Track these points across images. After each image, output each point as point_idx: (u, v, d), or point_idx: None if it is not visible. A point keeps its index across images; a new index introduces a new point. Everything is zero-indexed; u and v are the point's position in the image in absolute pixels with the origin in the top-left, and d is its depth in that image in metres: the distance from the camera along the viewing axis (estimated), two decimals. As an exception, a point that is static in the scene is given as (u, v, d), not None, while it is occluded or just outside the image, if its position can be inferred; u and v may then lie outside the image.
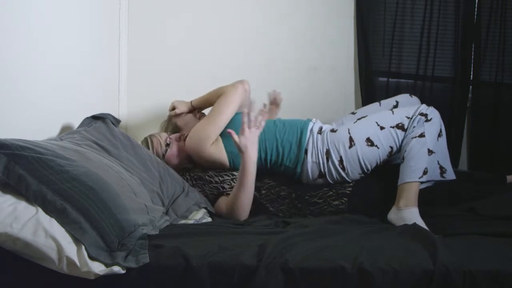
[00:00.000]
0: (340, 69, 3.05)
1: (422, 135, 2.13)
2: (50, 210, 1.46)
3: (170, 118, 2.62)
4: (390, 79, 3.03)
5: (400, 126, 2.18)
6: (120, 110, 2.93)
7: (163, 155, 2.36)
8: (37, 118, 1.98)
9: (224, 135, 2.30)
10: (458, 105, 3.00)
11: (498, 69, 2.98)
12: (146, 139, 2.43)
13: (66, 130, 2.18)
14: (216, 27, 3.00)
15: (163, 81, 2.99)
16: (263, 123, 2.08)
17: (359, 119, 2.32)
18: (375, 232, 1.83)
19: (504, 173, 2.48)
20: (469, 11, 2.95)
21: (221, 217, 2.17)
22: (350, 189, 2.22)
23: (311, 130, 2.33)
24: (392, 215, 2.07)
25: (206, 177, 2.29)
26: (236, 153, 2.22)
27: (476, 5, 2.96)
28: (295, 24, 3.01)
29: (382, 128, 2.20)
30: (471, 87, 3.02)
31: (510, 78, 2.99)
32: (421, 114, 2.16)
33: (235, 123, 2.28)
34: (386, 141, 2.19)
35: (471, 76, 3.00)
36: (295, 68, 3.04)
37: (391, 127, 2.19)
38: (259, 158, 2.28)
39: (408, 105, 2.41)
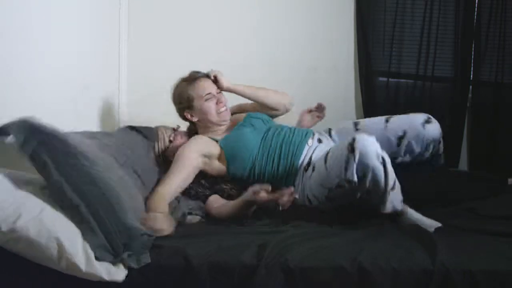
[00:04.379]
0: (340, 69, 3.04)
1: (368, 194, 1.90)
2: (65, 204, 1.48)
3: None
4: (390, 79, 3.02)
5: (341, 186, 1.92)
6: (120, 110, 2.93)
7: (165, 149, 2.30)
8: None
9: (229, 157, 2.22)
10: (458, 105, 2.99)
11: (498, 69, 2.97)
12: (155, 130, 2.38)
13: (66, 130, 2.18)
14: (216, 27, 3.00)
15: (163, 81, 2.98)
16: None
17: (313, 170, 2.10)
18: (375, 232, 1.83)
19: (504, 174, 2.46)
20: (469, 11, 2.95)
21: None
22: None
23: (300, 165, 2.17)
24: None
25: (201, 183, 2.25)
26: (237, 174, 2.22)
27: (476, 5, 2.96)
28: (295, 24, 3.01)
29: (329, 191, 1.99)
30: (471, 87, 3.01)
31: (510, 78, 2.99)
32: (348, 182, 1.87)
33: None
34: (342, 198, 1.99)
35: (471, 76, 3.00)
36: (295, 68, 3.04)
37: (334, 188, 1.95)
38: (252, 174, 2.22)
39: (415, 139, 2.15)
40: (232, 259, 1.50)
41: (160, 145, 2.33)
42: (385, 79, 3.03)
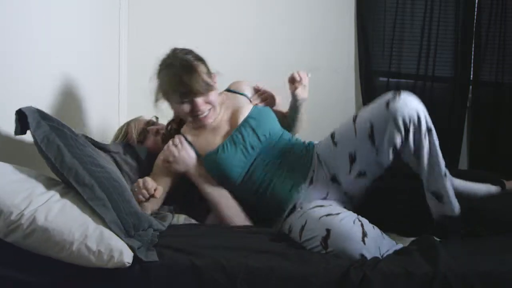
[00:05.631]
0: (340, 69, 3.05)
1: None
2: (80, 182, 1.50)
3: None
4: (390, 79, 3.03)
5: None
6: (120, 110, 2.92)
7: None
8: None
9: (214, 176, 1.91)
10: (458, 105, 3.00)
11: (498, 69, 2.98)
12: (122, 126, 2.24)
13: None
14: (216, 27, 3.00)
15: (163, 81, 2.99)
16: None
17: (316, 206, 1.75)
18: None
19: (503, 176, 2.46)
20: (469, 11, 2.95)
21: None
22: None
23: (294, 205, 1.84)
24: None
25: None
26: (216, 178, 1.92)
27: (476, 5, 2.96)
28: (295, 24, 3.01)
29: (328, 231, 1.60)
30: (471, 87, 3.02)
31: (510, 78, 2.99)
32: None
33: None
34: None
35: (471, 76, 3.01)
36: (295, 68, 3.03)
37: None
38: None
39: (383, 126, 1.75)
40: (237, 261, 1.49)
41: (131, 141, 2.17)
42: (385, 79, 3.03)
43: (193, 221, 1.96)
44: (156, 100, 2.01)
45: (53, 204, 1.46)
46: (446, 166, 1.83)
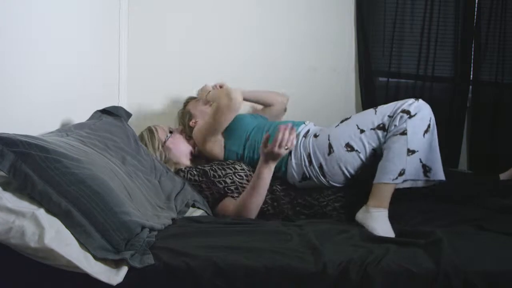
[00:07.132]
0: (340, 69, 3.04)
1: (403, 133, 2.02)
2: (55, 211, 1.46)
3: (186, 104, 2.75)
4: (390, 79, 3.02)
5: (381, 127, 2.09)
6: (120, 110, 2.92)
7: (164, 142, 2.45)
8: (38, 118, 1.98)
9: (226, 135, 2.41)
10: (458, 105, 2.99)
11: (498, 69, 2.97)
12: (150, 127, 2.50)
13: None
14: (216, 27, 3.00)
15: (163, 81, 2.99)
16: (294, 143, 2.07)
17: (342, 121, 2.26)
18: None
19: (497, 173, 2.47)
20: (469, 11, 2.95)
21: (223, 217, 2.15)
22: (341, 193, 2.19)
23: (298, 133, 2.29)
24: (360, 215, 1.99)
25: (211, 171, 2.28)
26: (232, 150, 2.39)
27: (476, 5, 2.96)
28: (295, 24, 3.01)
29: (362, 131, 2.13)
30: (471, 87, 3.01)
31: (510, 78, 2.99)
32: (403, 111, 2.04)
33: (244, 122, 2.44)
34: (367, 144, 2.11)
35: (471, 76, 3.00)
36: (295, 68, 3.04)
37: (371, 129, 2.11)
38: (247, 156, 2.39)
39: None
40: (235, 262, 1.48)
41: (162, 138, 2.45)
42: (385, 79, 3.03)
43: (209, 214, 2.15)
44: (188, 122, 2.62)
45: (40, 215, 1.43)
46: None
